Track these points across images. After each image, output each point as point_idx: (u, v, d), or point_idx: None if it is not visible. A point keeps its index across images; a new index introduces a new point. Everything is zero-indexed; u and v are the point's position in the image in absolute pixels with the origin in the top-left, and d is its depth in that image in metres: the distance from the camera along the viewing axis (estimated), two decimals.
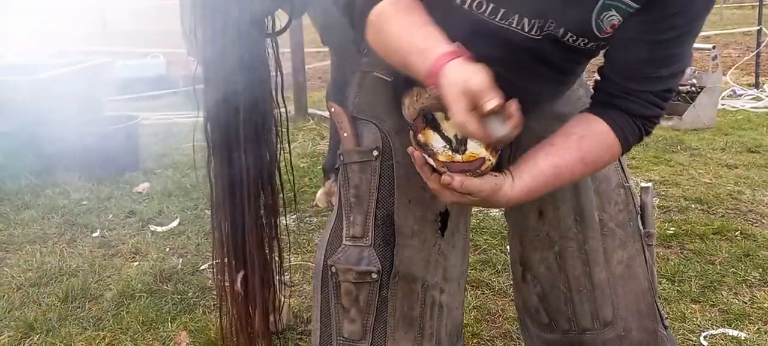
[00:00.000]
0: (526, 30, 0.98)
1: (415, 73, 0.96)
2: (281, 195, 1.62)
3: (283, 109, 1.53)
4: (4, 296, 2.08)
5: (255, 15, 1.42)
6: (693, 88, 4.41)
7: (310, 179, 3.32)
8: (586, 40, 0.99)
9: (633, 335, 1.23)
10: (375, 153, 1.13)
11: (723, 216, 2.70)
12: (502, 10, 0.97)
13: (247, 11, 1.39)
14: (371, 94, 1.16)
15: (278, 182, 1.59)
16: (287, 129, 1.58)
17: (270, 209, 1.57)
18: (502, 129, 0.92)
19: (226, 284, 1.53)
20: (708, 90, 4.35)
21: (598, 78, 1.07)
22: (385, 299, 1.14)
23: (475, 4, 0.97)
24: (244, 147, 1.45)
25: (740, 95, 5.43)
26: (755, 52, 5.76)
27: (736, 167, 3.41)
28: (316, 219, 2.78)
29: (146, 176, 3.37)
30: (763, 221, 2.66)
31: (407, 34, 0.95)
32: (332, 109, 1.25)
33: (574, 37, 0.99)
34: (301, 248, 2.49)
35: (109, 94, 4.81)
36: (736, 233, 2.50)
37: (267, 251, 1.60)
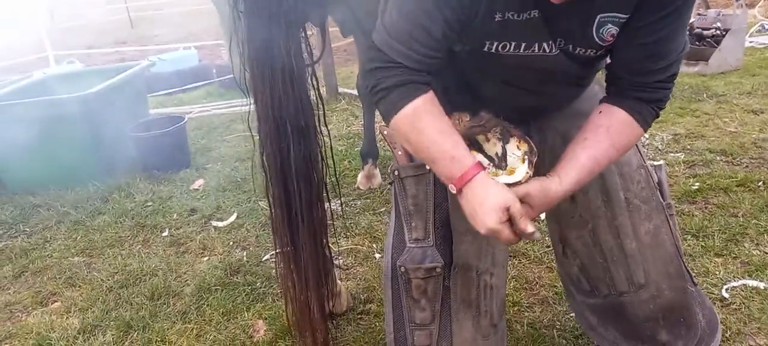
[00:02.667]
0: (546, 51, 1.17)
1: (440, 175, 1.16)
2: (326, 181, 1.70)
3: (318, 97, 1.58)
4: (99, 298, 2.38)
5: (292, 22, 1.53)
6: (718, 32, 4.43)
7: (349, 161, 3.53)
8: (593, 51, 1.18)
9: (665, 294, 1.43)
10: (427, 167, 1.34)
11: (747, 167, 2.82)
12: (524, 44, 1.16)
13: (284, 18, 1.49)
14: None
15: (324, 161, 1.65)
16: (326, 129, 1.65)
17: (318, 185, 1.63)
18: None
19: (285, 266, 1.71)
20: (733, 32, 4.36)
21: (608, 73, 1.25)
22: (447, 288, 1.39)
23: (500, 46, 1.16)
24: (291, 140, 1.53)
25: None
26: None
27: (762, 112, 3.49)
28: (359, 202, 3.01)
29: (199, 172, 3.63)
30: None
31: (441, 138, 1.12)
32: (384, 132, 1.46)
33: (583, 50, 1.17)
34: (350, 231, 2.72)
35: (150, 91, 5.09)
36: (759, 184, 2.62)
37: (320, 233, 1.68)
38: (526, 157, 1.19)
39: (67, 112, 3.39)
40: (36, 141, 3.38)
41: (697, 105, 3.74)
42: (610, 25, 1.13)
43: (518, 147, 1.20)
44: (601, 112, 1.23)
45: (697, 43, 4.56)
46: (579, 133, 1.23)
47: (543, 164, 1.44)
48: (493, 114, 1.24)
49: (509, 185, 1.15)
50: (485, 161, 1.20)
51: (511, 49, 1.17)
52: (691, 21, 4.71)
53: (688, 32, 4.60)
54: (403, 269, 1.37)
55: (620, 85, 1.23)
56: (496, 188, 1.11)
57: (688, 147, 3.12)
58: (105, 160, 3.61)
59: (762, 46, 4.96)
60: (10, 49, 9.03)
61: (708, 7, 4.77)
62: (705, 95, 3.90)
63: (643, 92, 1.20)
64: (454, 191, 1.13)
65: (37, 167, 3.47)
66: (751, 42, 5.02)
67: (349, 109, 4.61)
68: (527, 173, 1.18)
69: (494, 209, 1.08)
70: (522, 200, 1.15)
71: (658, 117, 1.25)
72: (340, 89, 4.97)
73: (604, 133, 1.20)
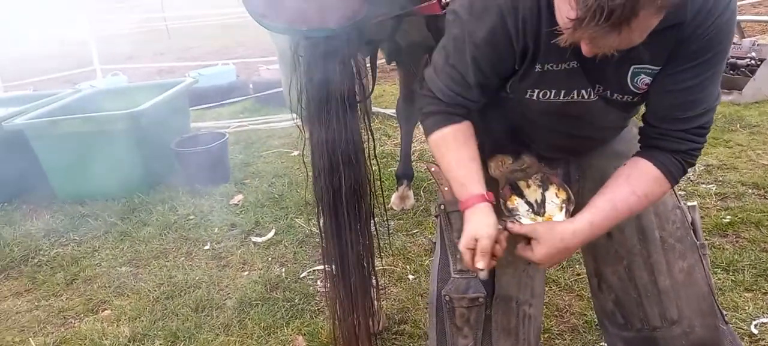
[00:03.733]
0: (585, 97, 1.26)
1: (455, 195, 1.33)
2: (373, 199, 1.80)
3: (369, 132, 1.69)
4: (146, 308, 2.52)
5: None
6: (752, 61, 4.42)
7: (383, 181, 3.63)
8: (629, 97, 1.26)
9: (697, 331, 1.49)
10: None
11: None
12: (563, 91, 1.26)
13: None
14: None
15: (368, 190, 1.75)
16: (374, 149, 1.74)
17: (366, 214, 1.76)
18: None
19: (334, 290, 1.82)
20: None
21: (642, 125, 1.32)
22: (489, 317, 1.48)
23: (541, 93, 1.26)
24: (343, 174, 1.63)
25: None
26: None
27: None
28: (393, 223, 3.10)
29: (238, 186, 3.78)
30: None
31: (457, 165, 1.31)
32: (432, 169, 1.57)
33: (620, 96, 1.26)
34: (383, 252, 2.81)
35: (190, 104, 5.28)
36: None
37: (367, 257, 1.80)
38: (563, 206, 1.27)
39: (117, 128, 3.58)
40: (86, 154, 3.58)
41: (730, 135, 3.75)
42: (643, 75, 1.22)
43: (557, 195, 1.29)
44: (626, 164, 1.31)
45: (731, 72, 4.56)
46: (606, 181, 1.31)
47: (583, 202, 1.53)
48: (535, 157, 1.34)
49: None
50: (524, 207, 1.28)
51: (552, 97, 1.26)
52: None
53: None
54: (448, 298, 1.47)
55: (649, 133, 1.30)
56: (482, 219, 1.24)
57: (721, 179, 3.14)
58: (150, 173, 3.79)
59: None
60: (57, 59, 9.42)
61: (743, 36, 4.77)
62: (738, 125, 3.90)
63: (669, 142, 1.26)
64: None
65: (86, 179, 3.66)
66: None
67: (381, 128, 4.72)
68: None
69: (467, 234, 1.25)
70: (528, 238, 1.24)
71: (685, 173, 1.30)
72: (374, 109, 5.08)
73: (624, 180, 1.27)
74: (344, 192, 1.59)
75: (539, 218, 1.28)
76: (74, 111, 3.90)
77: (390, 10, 1.62)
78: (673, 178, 1.29)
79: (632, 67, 1.20)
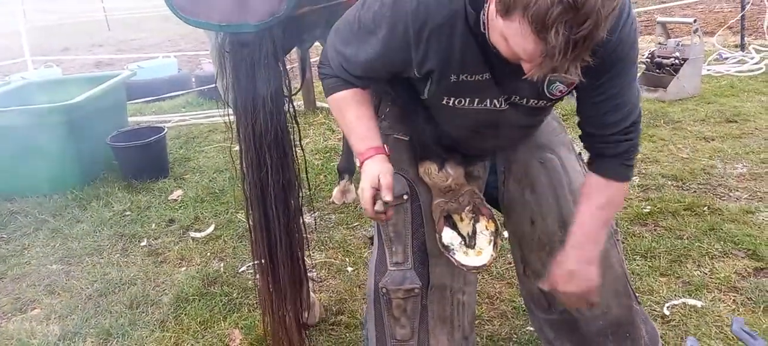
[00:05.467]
0: (497, 106, 1.34)
1: (352, 148, 1.43)
2: (302, 194, 1.84)
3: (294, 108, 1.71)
4: (78, 306, 2.46)
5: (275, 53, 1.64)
6: (677, 61, 4.68)
7: (326, 175, 3.66)
8: (544, 102, 1.36)
9: (613, 311, 1.60)
10: (405, 197, 1.51)
11: (695, 192, 3.04)
12: (477, 99, 1.33)
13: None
14: (396, 153, 1.52)
15: (299, 185, 1.80)
16: (300, 140, 1.76)
17: (295, 210, 1.78)
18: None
19: (264, 283, 1.84)
20: (691, 61, 4.62)
21: (581, 132, 1.42)
22: (425, 307, 1.54)
23: (456, 101, 1.34)
24: (270, 169, 1.67)
25: (726, 59, 5.68)
26: (740, 15, 5.97)
27: (713, 140, 3.73)
28: (334, 216, 3.14)
29: (177, 182, 3.72)
30: (731, 194, 2.99)
31: (356, 122, 1.39)
32: None
33: (535, 101, 1.34)
34: (324, 245, 2.85)
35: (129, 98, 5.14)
36: (705, 208, 2.83)
37: (296, 251, 1.82)
38: (492, 239, 1.40)
39: (49, 122, 3.46)
40: (16, 149, 3.44)
41: (654, 130, 3.97)
42: (558, 83, 1.29)
43: (486, 227, 1.41)
44: (590, 187, 1.41)
45: (656, 70, 4.82)
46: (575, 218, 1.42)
47: (508, 192, 1.62)
48: (460, 167, 1.43)
49: (477, 267, 1.42)
50: (457, 240, 1.41)
51: (466, 104, 1.34)
52: (651, 50, 4.98)
53: (649, 59, 4.85)
54: (384, 290, 1.52)
55: (592, 142, 1.39)
56: (382, 165, 1.33)
57: (643, 171, 3.33)
58: (84, 168, 3.68)
59: (718, 74, 5.25)
60: None
61: (668, 37, 5.04)
62: (662, 121, 4.14)
63: (609, 147, 1.36)
64: (359, 164, 1.38)
65: (16, 175, 3.52)
66: (708, 70, 5.30)
67: (326, 123, 4.74)
68: (492, 255, 1.41)
69: (369, 176, 1.33)
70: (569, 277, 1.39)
71: (631, 169, 1.40)
72: (318, 103, 5.10)
73: (585, 200, 1.40)
74: (272, 186, 1.61)
75: (471, 251, 1.40)
76: (4, 104, 3.74)
77: (314, 1, 1.64)
78: (624, 177, 1.39)
79: (548, 77, 1.28)
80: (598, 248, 1.40)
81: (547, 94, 1.31)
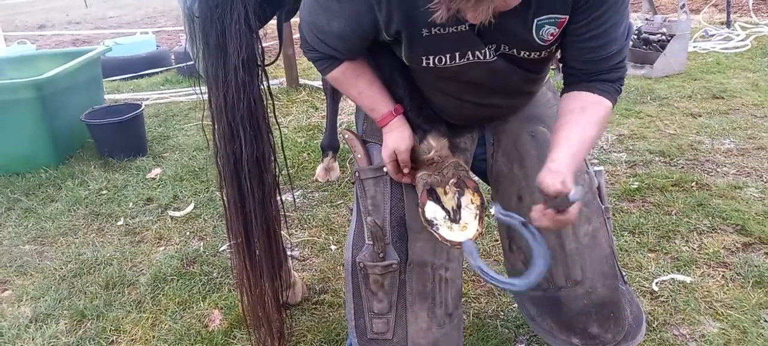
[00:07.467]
0: (484, 58, 1.25)
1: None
2: (282, 172, 1.78)
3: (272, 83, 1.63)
4: (51, 287, 2.37)
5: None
6: (663, 37, 4.65)
7: (309, 153, 3.58)
8: (537, 53, 1.26)
9: (598, 291, 1.55)
10: (385, 169, 1.42)
11: (683, 167, 3.01)
12: (458, 53, 1.24)
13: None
14: (373, 129, 1.45)
15: (275, 160, 1.70)
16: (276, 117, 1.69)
17: (271, 185, 1.69)
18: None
19: (240, 262, 1.77)
20: (678, 37, 4.59)
21: (564, 71, 1.32)
22: (403, 282, 1.48)
23: (436, 59, 1.25)
24: (243, 141, 1.57)
25: (712, 36, 5.66)
26: None
27: (700, 116, 3.71)
28: (318, 194, 3.06)
29: (156, 160, 3.61)
30: (718, 170, 2.97)
31: (359, 96, 1.40)
32: (346, 136, 1.54)
33: (527, 53, 1.25)
34: (307, 223, 2.78)
35: (106, 75, 4.99)
36: (693, 184, 2.81)
37: (273, 228, 1.73)
38: (477, 212, 1.31)
39: (20, 97, 3.32)
40: None
41: (642, 107, 3.93)
42: (548, 26, 1.20)
43: (472, 201, 1.32)
44: (569, 98, 1.29)
45: (643, 47, 4.78)
46: (556, 123, 1.29)
47: (496, 165, 1.55)
48: (444, 138, 1.35)
49: (461, 243, 1.30)
50: (441, 214, 1.33)
51: (448, 61, 1.25)
52: (638, 26, 4.94)
53: (636, 35, 4.81)
54: (362, 264, 1.46)
55: (579, 76, 1.29)
56: (398, 133, 1.36)
57: (631, 147, 3.29)
58: (58, 146, 3.56)
59: (704, 51, 5.23)
60: None
61: (655, 13, 5.00)
62: (649, 98, 4.10)
63: (601, 78, 1.27)
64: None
65: None
66: (694, 47, 5.28)
67: (309, 100, 4.64)
68: (478, 230, 1.31)
69: (387, 149, 1.38)
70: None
71: (619, 93, 1.31)
72: (301, 80, 4.99)
73: (579, 113, 1.26)
74: (246, 160, 1.53)
75: (456, 225, 1.32)
76: None
77: None
78: (614, 99, 1.29)
79: (536, 20, 1.19)
80: (577, 164, 1.26)
81: (538, 41, 1.21)
